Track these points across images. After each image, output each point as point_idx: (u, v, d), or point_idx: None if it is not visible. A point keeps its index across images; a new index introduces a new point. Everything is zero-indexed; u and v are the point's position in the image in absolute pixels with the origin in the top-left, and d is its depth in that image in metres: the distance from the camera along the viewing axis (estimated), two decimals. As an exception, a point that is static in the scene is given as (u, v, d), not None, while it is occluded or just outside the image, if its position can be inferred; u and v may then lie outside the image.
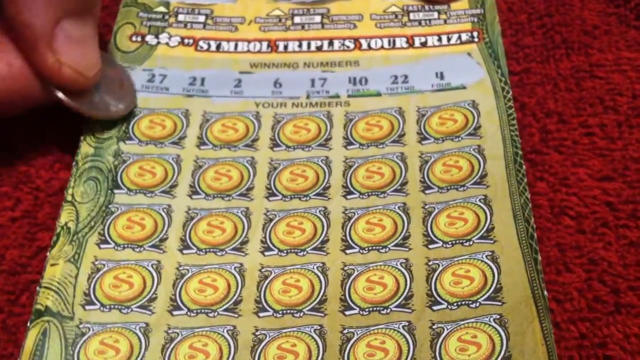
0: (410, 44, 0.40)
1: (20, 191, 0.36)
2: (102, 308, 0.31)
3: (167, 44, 0.41)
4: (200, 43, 0.41)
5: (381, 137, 0.37)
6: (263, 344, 0.30)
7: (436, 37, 0.40)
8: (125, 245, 0.33)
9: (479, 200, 0.34)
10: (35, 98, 0.34)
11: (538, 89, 0.39)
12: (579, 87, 0.38)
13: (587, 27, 0.41)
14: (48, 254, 0.32)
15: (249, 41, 0.41)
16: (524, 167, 0.34)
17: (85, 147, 0.36)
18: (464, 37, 0.40)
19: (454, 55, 0.40)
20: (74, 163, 0.36)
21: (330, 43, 0.41)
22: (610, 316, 0.30)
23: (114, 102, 0.37)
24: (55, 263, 0.32)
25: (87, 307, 0.31)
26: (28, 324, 0.30)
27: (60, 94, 0.34)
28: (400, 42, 0.40)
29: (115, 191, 0.35)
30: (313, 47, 0.41)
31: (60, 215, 0.34)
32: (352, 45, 0.41)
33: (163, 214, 0.34)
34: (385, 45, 0.40)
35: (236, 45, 0.41)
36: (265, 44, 0.41)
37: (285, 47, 0.41)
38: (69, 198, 0.34)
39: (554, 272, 0.32)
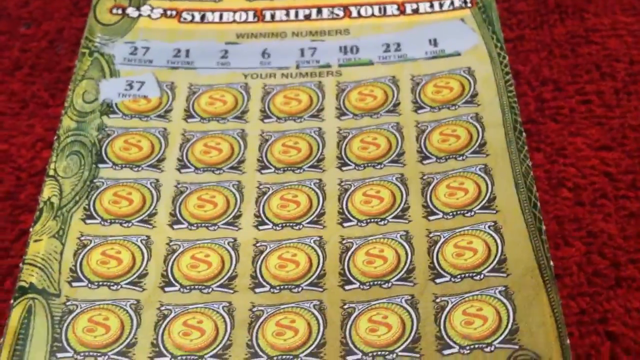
0: (402, 11, 0.39)
1: (1, 172, 0.34)
2: (89, 285, 0.30)
3: (149, 16, 0.39)
4: (184, 14, 0.39)
5: (375, 107, 0.36)
6: (260, 320, 0.29)
7: (428, 4, 0.39)
8: (113, 221, 0.32)
9: (479, 170, 0.33)
10: None
11: (532, 56, 0.38)
12: (575, 53, 0.38)
13: (582, -9, 0.40)
14: (31, 229, 0.31)
15: (234, 11, 0.40)
16: (523, 134, 0.33)
17: (67, 121, 0.35)
18: (457, 2, 0.39)
19: (447, 21, 0.39)
20: (55, 137, 0.34)
21: (319, 11, 0.40)
22: (610, 290, 0.30)
23: None
24: (39, 239, 0.31)
25: (74, 284, 0.30)
26: (11, 301, 0.29)
27: None
28: (391, 9, 0.39)
29: (100, 165, 0.34)
30: (301, 16, 0.40)
31: (43, 190, 0.33)
32: (341, 13, 0.39)
33: (151, 188, 0.33)
34: (376, 12, 0.39)
35: (221, 16, 0.40)
36: (251, 14, 0.40)
37: (272, 16, 0.40)
38: (52, 173, 0.33)
39: (552, 246, 0.31)
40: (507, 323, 0.28)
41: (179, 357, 0.28)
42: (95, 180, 0.33)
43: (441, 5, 0.39)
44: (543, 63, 0.37)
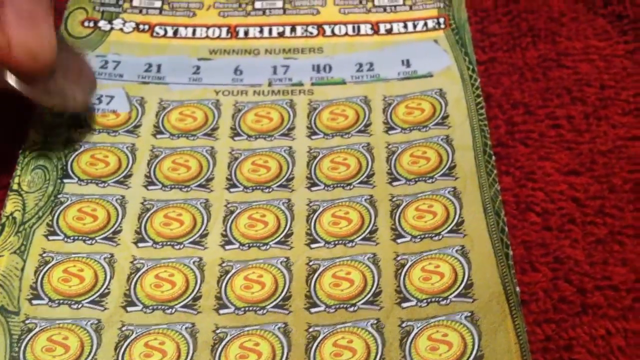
0: (375, 31, 0.39)
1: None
2: (50, 303, 0.30)
3: (121, 29, 0.39)
4: (157, 29, 0.39)
5: (346, 127, 0.36)
6: (224, 342, 0.29)
7: (402, 24, 0.39)
8: (76, 237, 0.32)
9: (448, 193, 0.33)
10: None
11: (504, 79, 0.38)
12: (546, 76, 0.38)
13: (554, 14, 0.40)
14: (-8, 245, 0.31)
15: (207, 27, 0.40)
16: (493, 157, 0.34)
17: (34, 134, 0.34)
18: (430, 23, 0.39)
19: (420, 42, 0.39)
20: (20, 151, 0.34)
21: (293, 29, 0.40)
22: (576, 317, 0.30)
23: (71, 92, 0.34)
24: (0, 255, 0.31)
25: (34, 302, 0.30)
26: (-31, 318, 0.29)
27: (11, 79, 0.31)
28: (365, 28, 0.39)
29: (65, 180, 0.33)
30: (275, 33, 0.39)
31: (6, 205, 0.32)
32: (315, 32, 0.39)
33: (116, 205, 0.33)
34: (350, 31, 0.39)
35: (194, 31, 0.39)
36: (224, 30, 0.39)
37: (246, 33, 0.39)
38: (15, 187, 0.33)
39: (519, 271, 0.31)
40: (472, 349, 0.28)
41: None
42: (59, 196, 0.33)
43: (415, 26, 0.39)
44: (514, 86, 0.37)
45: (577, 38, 0.39)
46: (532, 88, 0.37)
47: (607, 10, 0.40)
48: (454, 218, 0.32)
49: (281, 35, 0.39)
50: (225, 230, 0.32)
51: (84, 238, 0.32)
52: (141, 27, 0.39)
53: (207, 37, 0.39)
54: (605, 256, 0.31)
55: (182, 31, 0.39)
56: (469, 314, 0.29)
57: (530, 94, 0.37)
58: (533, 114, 0.36)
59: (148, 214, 0.33)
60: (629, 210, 0.33)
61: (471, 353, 0.28)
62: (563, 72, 0.38)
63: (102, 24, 0.39)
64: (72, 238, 0.32)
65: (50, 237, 0.32)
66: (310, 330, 0.29)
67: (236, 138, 0.35)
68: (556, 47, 0.39)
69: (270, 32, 0.39)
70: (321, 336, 0.29)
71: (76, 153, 0.34)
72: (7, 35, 0.29)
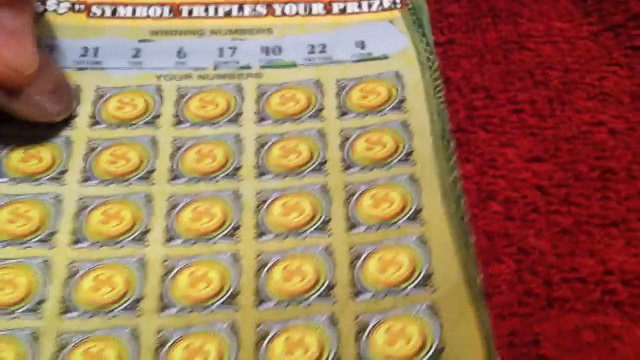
0: (328, 11, 0.37)
1: None
2: None
3: (55, 10, 0.37)
4: (93, 8, 0.37)
5: (297, 112, 0.34)
6: (168, 345, 0.27)
7: (356, 4, 0.38)
8: (9, 242, 0.29)
9: (405, 180, 0.31)
10: None
11: (463, 61, 0.36)
12: (507, 59, 0.36)
13: (516, -6, 0.38)
14: None
15: (148, 5, 0.37)
16: (452, 143, 0.32)
17: None
18: (386, 3, 0.38)
19: (375, 22, 0.37)
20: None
21: (240, 8, 0.37)
22: (542, 311, 0.28)
23: (49, 104, 0.32)
24: None
25: None
26: None
27: None
28: (317, 8, 0.37)
29: None
30: (221, 13, 0.37)
31: None
32: (264, 11, 0.37)
33: (51, 204, 0.30)
34: (301, 11, 0.37)
35: (134, 10, 0.37)
36: (167, 9, 0.37)
37: (190, 12, 0.37)
38: None
39: (482, 263, 0.29)
40: (432, 342, 0.27)
41: None
42: None
43: (370, 6, 0.38)
44: (474, 69, 0.36)
45: (539, 19, 0.38)
46: (492, 71, 0.36)
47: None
48: (412, 206, 0.30)
49: (228, 14, 0.37)
50: (168, 225, 0.30)
51: (16, 242, 0.29)
52: (77, 6, 0.37)
53: (148, 16, 0.37)
54: (572, 247, 0.30)
55: (120, 10, 0.37)
56: (429, 305, 0.28)
57: (490, 77, 0.35)
58: (494, 99, 0.35)
59: (85, 212, 0.30)
60: (596, 199, 0.31)
61: (431, 346, 0.27)
62: (525, 55, 0.36)
63: (35, 5, 0.36)
64: (3, 243, 0.29)
65: None
66: (260, 327, 0.27)
67: (179, 126, 0.33)
68: (517, 29, 0.37)
69: (216, 11, 0.37)
70: (272, 334, 0.27)
71: (6, 149, 0.32)
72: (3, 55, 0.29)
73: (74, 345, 0.27)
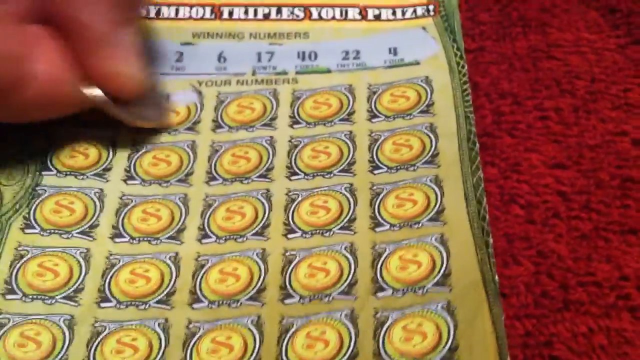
0: (364, 16, 0.39)
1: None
2: (24, 298, 0.29)
3: None
4: None
5: (329, 115, 0.35)
6: (196, 337, 0.29)
7: (390, 10, 0.39)
8: (52, 231, 0.31)
9: (430, 181, 0.32)
10: (71, 102, 0.32)
11: (492, 68, 0.37)
12: (535, 67, 0.37)
13: (546, 5, 0.39)
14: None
15: (190, 6, 0.39)
16: (477, 145, 0.33)
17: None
18: (419, 10, 0.39)
19: (408, 29, 0.38)
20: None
21: (279, 11, 0.39)
22: (558, 313, 0.29)
23: (150, 109, 0.35)
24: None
25: (8, 297, 0.29)
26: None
27: (104, 101, 0.32)
28: (353, 12, 0.39)
29: (44, 173, 0.33)
30: (260, 15, 0.39)
31: None
32: (301, 14, 0.39)
33: (95, 198, 0.32)
34: (337, 15, 0.39)
35: (177, 11, 0.38)
36: (208, 10, 0.39)
37: (230, 13, 0.39)
38: None
39: (500, 264, 0.31)
40: (447, 340, 0.28)
41: None
42: (37, 188, 0.32)
43: (403, 13, 0.39)
44: (503, 76, 0.37)
45: (568, 30, 0.38)
46: (520, 78, 0.36)
47: (600, 3, 0.39)
48: (435, 206, 0.31)
49: (266, 17, 0.39)
50: (203, 224, 0.32)
51: (60, 232, 0.31)
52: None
53: (190, 17, 0.38)
54: (590, 252, 0.31)
55: (164, 11, 0.38)
56: (446, 304, 0.29)
57: (518, 84, 0.36)
58: (521, 105, 0.35)
59: (126, 209, 0.32)
60: (615, 207, 0.32)
61: (446, 343, 0.28)
62: (553, 64, 0.37)
63: None
64: (48, 231, 0.31)
65: (27, 231, 0.31)
66: (283, 322, 0.29)
67: (218, 130, 0.35)
68: (547, 38, 0.38)
69: (255, 13, 0.39)
70: (294, 328, 0.29)
71: (56, 145, 0.34)
72: (115, 64, 0.32)
73: (107, 334, 0.29)
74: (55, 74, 0.30)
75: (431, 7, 0.39)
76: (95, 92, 0.32)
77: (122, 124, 0.33)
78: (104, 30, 0.31)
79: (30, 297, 0.29)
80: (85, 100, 0.32)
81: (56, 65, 0.30)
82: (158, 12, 0.38)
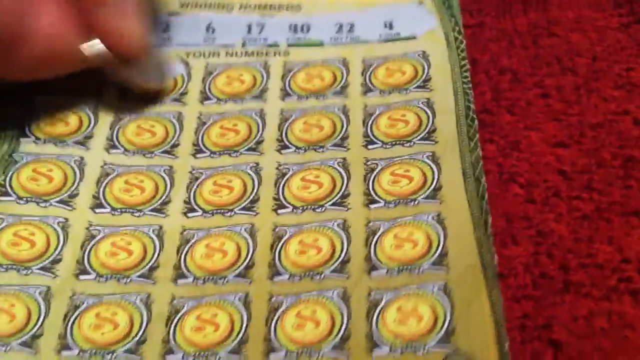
0: (358, -10, 0.37)
1: None
2: None
3: None
4: None
5: (322, 89, 0.34)
6: (180, 314, 0.27)
7: (387, -18, 0.37)
8: (29, 199, 0.30)
9: (426, 157, 0.31)
10: (73, 59, 0.31)
11: (492, 44, 0.36)
12: (536, 44, 0.36)
13: (547, -19, 0.38)
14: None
15: None
16: (476, 122, 0.32)
17: None
18: (417, -17, 0.37)
19: (404, 3, 0.37)
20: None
21: None
22: (557, 295, 0.28)
23: (151, 72, 0.34)
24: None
25: None
26: None
27: (107, 56, 0.31)
28: None
29: (22, 139, 0.31)
30: None
31: None
32: None
33: (74, 166, 0.31)
34: None
35: None
36: None
37: None
38: None
39: (499, 244, 0.29)
40: (444, 322, 0.26)
41: (88, 351, 0.26)
42: (14, 155, 0.31)
43: (400, -15, 0.37)
44: (502, 52, 0.35)
45: (569, 7, 0.37)
46: (520, 55, 0.35)
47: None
48: (432, 183, 0.30)
49: None
50: (189, 198, 0.30)
51: (37, 200, 0.30)
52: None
53: None
54: (591, 233, 0.30)
55: None
56: (442, 285, 0.27)
57: (518, 60, 0.35)
58: (521, 82, 0.34)
59: (107, 179, 0.31)
60: (618, 187, 0.31)
61: (442, 326, 0.26)
62: (554, 41, 0.36)
63: None
64: (24, 199, 0.30)
65: (2, 198, 0.30)
66: (272, 300, 0.27)
67: (205, 102, 0.34)
68: (547, 15, 0.37)
69: None
70: (283, 307, 0.27)
71: (34, 111, 0.32)
72: (124, 25, 0.31)
73: (86, 307, 0.27)
74: (58, 29, 0.30)
75: (428, -19, 0.37)
76: (98, 46, 0.31)
77: (106, 90, 0.32)
78: None
79: (4, 267, 0.28)
80: (87, 57, 0.31)
81: (59, 20, 0.30)
82: None
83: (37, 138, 0.32)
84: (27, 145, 0.31)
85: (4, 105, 0.32)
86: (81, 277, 0.28)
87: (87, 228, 0.29)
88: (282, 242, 0.29)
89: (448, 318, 0.27)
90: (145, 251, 0.29)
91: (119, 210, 0.30)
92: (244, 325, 0.27)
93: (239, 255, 0.29)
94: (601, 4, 0.37)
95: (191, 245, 0.29)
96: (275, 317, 0.27)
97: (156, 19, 0.35)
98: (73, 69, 0.31)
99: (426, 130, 0.32)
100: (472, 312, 0.27)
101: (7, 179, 0.30)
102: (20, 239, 0.29)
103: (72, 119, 0.32)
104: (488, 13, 0.37)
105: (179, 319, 0.27)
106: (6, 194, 0.30)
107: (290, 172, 0.31)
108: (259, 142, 0.32)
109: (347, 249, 0.29)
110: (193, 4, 0.37)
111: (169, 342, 0.26)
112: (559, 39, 0.36)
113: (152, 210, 0.30)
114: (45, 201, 0.30)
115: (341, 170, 0.31)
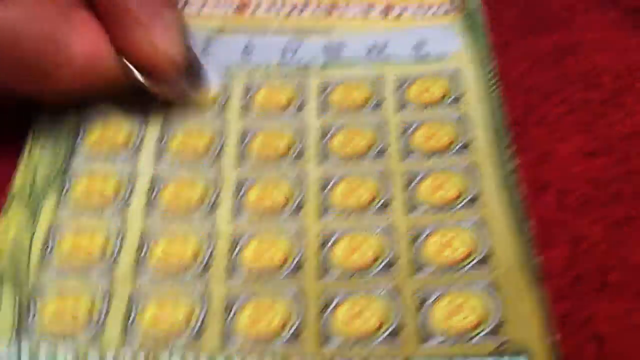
0: (388, 13, 0.39)
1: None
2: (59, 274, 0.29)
3: None
4: None
5: (358, 105, 0.35)
6: (234, 309, 0.29)
7: (415, 6, 0.39)
8: (85, 211, 0.31)
9: (464, 168, 0.32)
10: (113, 81, 0.32)
11: (518, 64, 0.37)
12: (560, 64, 0.37)
13: (567, 4, 0.40)
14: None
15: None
16: (509, 136, 0.33)
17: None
18: (444, 7, 0.39)
19: (433, 26, 0.38)
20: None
21: (304, 7, 0.39)
22: (594, 293, 0.29)
23: (189, 86, 0.35)
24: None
25: (43, 273, 0.29)
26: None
27: (144, 79, 0.33)
28: (378, 9, 0.39)
29: (73, 157, 0.33)
30: (285, 11, 0.39)
31: (15, 178, 0.32)
32: (326, 12, 0.39)
33: (125, 180, 0.32)
34: (362, 13, 0.39)
35: (204, 4, 0.39)
36: (233, 7, 0.39)
37: (255, 9, 0.39)
38: (25, 160, 0.33)
39: (535, 248, 0.30)
40: (493, 318, 0.28)
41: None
42: (69, 170, 0.33)
43: (428, 9, 0.39)
44: (528, 71, 0.37)
45: (589, 29, 0.39)
46: (546, 74, 0.37)
47: (620, 4, 0.40)
48: (470, 193, 0.31)
49: (291, 13, 0.39)
50: (235, 205, 0.32)
51: (91, 214, 0.31)
52: None
53: (214, 13, 0.39)
54: (624, 238, 0.31)
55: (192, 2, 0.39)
56: (489, 282, 0.29)
57: (544, 78, 0.37)
58: (548, 98, 0.36)
59: (156, 190, 0.32)
60: (648, 194, 0.32)
61: (492, 321, 0.28)
62: (578, 61, 0.37)
63: None
64: (79, 213, 0.31)
65: (60, 209, 0.31)
66: (323, 297, 0.29)
67: (246, 116, 0.35)
68: (570, 37, 0.38)
69: (280, 10, 0.39)
70: (334, 303, 0.29)
71: (86, 131, 0.34)
72: (156, 45, 0.32)
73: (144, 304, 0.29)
74: (94, 50, 0.31)
75: (455, 4, 0.39)
76: (131, 67, 0.32)
77: (154, 101, 0.34)
78: (145, 13, 0.31)
79: (66, 273, 0.29)
80: (121, 76, 0.32)
81: (94, 41, 0.31)
82: (185, 4, 0.39)
83: (88, 155, 0.33)
84: (78, 161, 0.33)
85: (53, 122, 0.34)
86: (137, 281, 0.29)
87: (140, 235, 0.31)
88: (329, 244, 0.30)
89: (497, 313, 0.28)
90: (196, 252, 0.30)
91: (168, 219, 0.31)
92: (298, 320, 0.28)
93: (288, 255, 0.30)
94: (621, 25, 0.39)
95: (242, 247, 0.30)
96: (327, 313, 0.28)
97: (191, 38, 0.37)
98: (112, 89, 0.33)
99: (461, 144, 0.33)
100: (520, 308, 0.28)
101: (64, 192, 0.32)
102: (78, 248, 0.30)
103: (121, 134, 0.34)
104: (512, 34, 0.39)
105: (234, 314, 0.28)
106: (64, 206, 0.31)
107: (332, 183, 0.32)
108: (300, 155, 0.33)
109: (392, 253, 0.30)
110: (230, 29, 0.38)
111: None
112: (583, 59, 0.37)
113: (200, 217, 0.31)
114: (99, 215, 0.31)
115: (380, 180, 0.32)
